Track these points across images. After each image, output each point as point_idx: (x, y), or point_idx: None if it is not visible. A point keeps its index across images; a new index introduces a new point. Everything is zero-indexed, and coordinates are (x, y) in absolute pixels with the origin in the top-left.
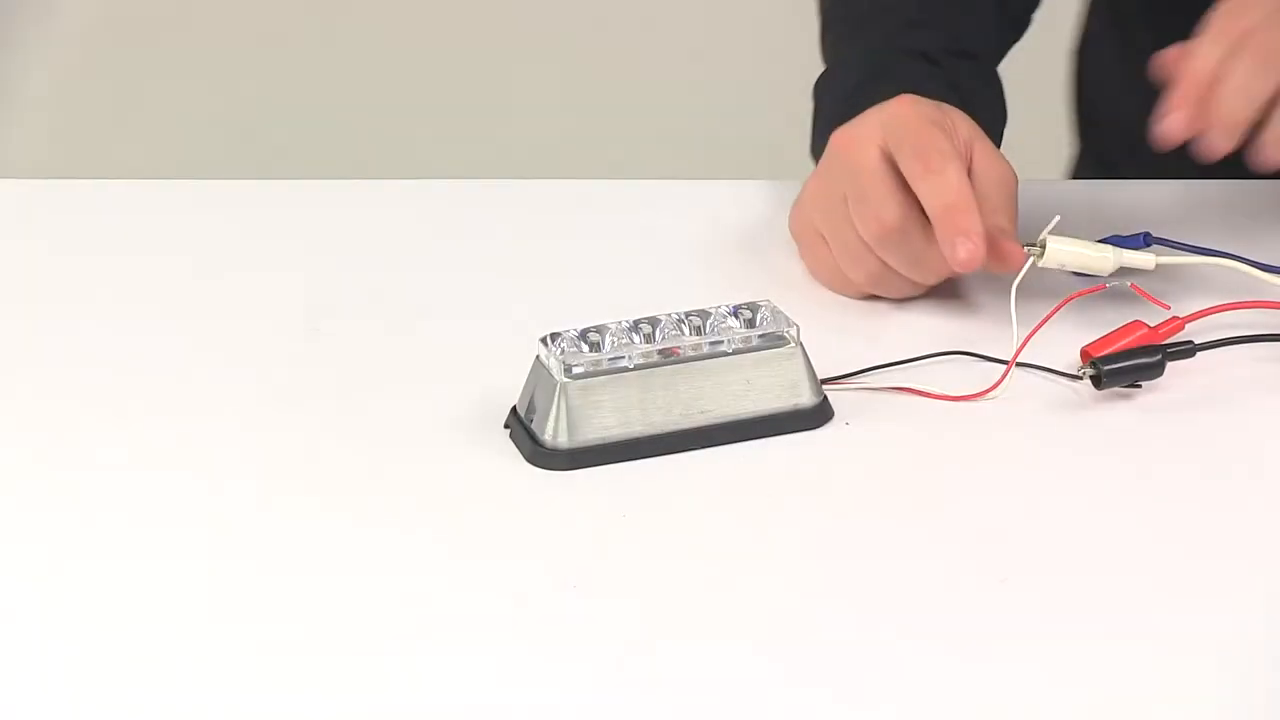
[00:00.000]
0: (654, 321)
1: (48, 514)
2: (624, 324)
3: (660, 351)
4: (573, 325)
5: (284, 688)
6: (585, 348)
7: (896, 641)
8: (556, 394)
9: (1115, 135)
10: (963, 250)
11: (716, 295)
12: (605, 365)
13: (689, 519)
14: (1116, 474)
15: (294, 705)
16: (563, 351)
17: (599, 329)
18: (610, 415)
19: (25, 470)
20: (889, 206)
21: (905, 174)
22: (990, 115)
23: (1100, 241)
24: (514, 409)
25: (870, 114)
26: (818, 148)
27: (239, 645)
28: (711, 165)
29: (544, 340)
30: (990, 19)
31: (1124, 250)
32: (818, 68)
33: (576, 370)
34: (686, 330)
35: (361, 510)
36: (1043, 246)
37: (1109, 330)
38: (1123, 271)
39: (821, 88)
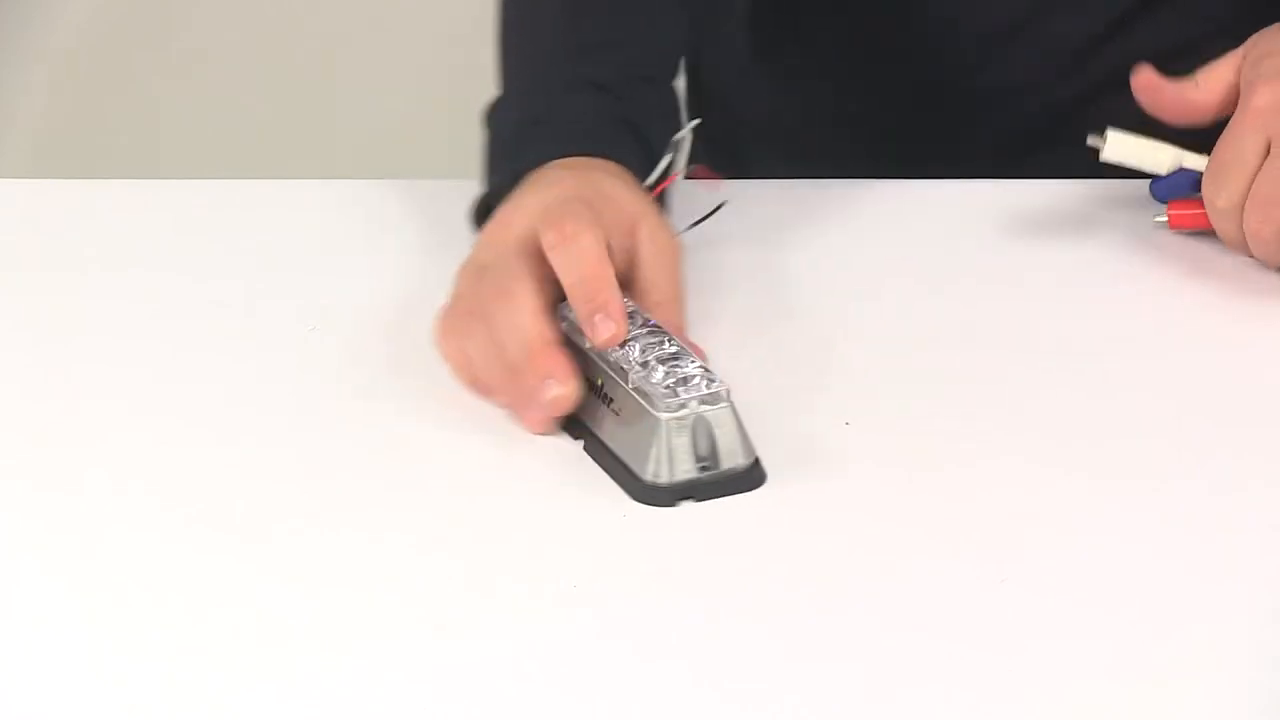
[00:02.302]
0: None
1: (46, 512)
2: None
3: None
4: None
5: (290, 688)
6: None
7: (896, 640)
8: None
9: (743, 132)
10: (604, 330)
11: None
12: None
13: (687, 517)
14: (1117, 472)
15: (301, 706)
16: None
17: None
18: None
19: (23, 469)
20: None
21: (544, 245)
22: (663, 145)
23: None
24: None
25: (533, 196)
26: (484, 199)
27: (239, 647)
28: None
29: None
30: (672, 26)
31: (1185, 152)
32: None
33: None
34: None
35: (362, 511)
36: (1104, 135)
37: None
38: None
39: (491, 118)
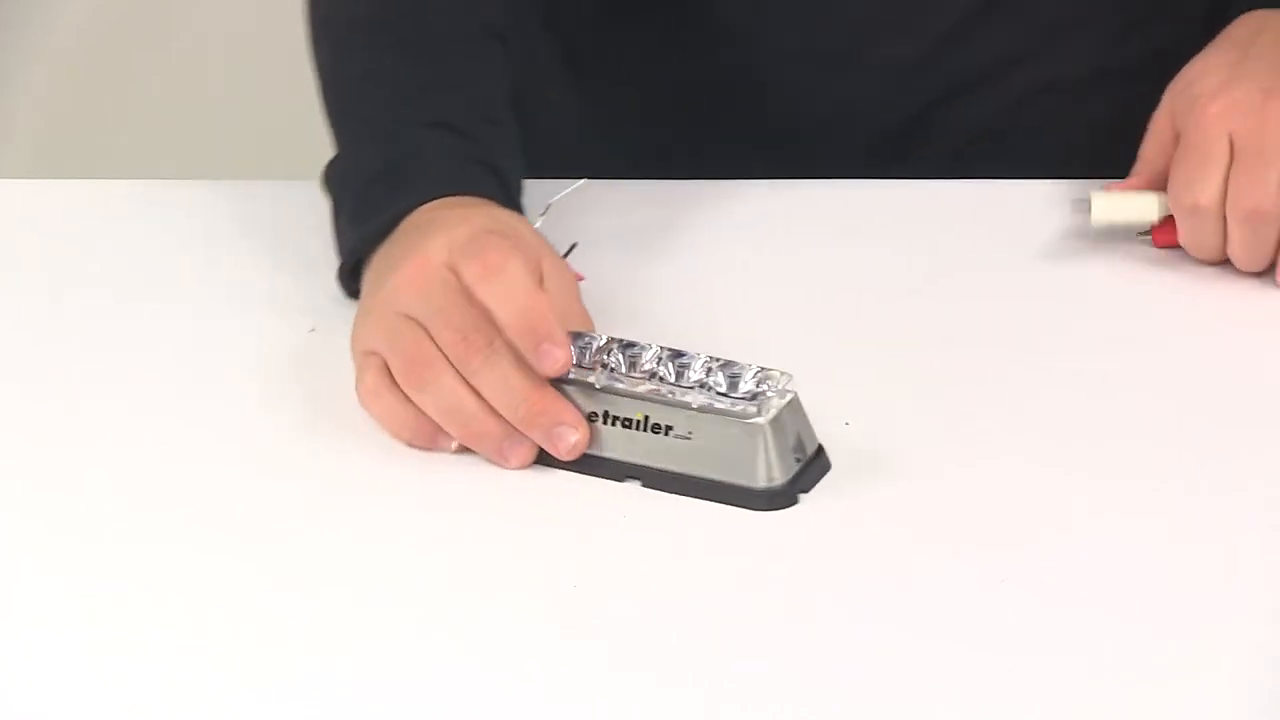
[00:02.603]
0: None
1: (45, 512)
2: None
3: None
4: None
5: (290, 688)
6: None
7: (896, 640)
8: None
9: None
10: (549, 360)
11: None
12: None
13: (686, 518)
14: (1117, 473)
15: (301, 706)
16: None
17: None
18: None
19: (23, 469)
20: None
21: (467, 281)
22: (519, 185)
23: None
24: None
25: (438, 236)
26: (352, 255)
27: (239, 647)
28: None
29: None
30: (501, 66)
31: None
32: None
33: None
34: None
35: (362, 511)
36: (1089, 202)
37: None
38: None
39: (335, 175)
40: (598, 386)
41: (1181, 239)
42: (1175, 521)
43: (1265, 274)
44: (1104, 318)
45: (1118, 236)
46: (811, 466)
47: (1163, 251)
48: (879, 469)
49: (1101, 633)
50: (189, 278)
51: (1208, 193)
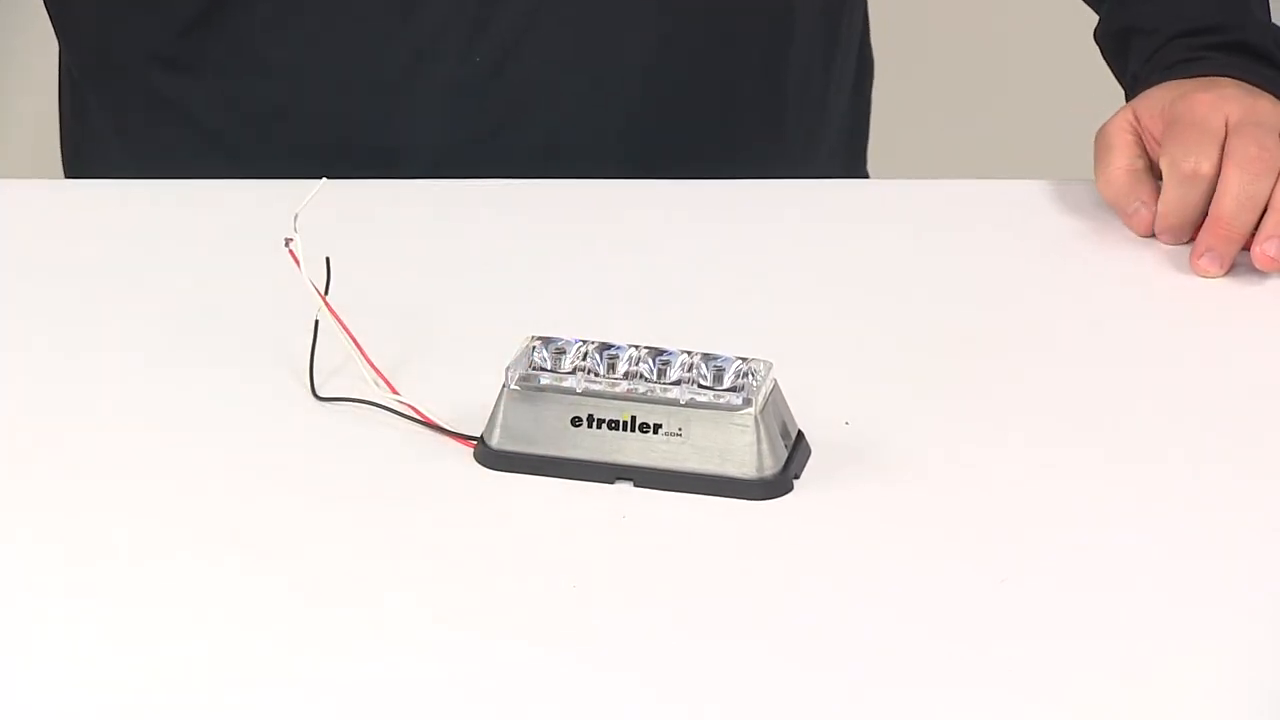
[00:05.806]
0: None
1: (44, 513)
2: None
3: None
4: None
5: (290, 688)
6: (547, 358)
7: (895, 639)
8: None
9: None
10: None
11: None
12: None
13: (685, 518)
14: (1116, 473)
15: (301, 706)
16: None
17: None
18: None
19: (22, 470)
20: None
21: None
22: None
23: None
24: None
25: None
26: None
27: (238, 648)
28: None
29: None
30: None
31: None
32: None
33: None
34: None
35: (361, 511)
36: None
37: None
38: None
39: None
40: (578, 390)
41: (1166, 203)
42: (1175, 521)
43: (1266, 275)
44: (1104, 318)
45: (1118, 236)
46: (797, 451)
47: (1163, 251)
48: (880, 469)
49: (1101, 633)
50: (190, 277)
51: (1209, 160)
